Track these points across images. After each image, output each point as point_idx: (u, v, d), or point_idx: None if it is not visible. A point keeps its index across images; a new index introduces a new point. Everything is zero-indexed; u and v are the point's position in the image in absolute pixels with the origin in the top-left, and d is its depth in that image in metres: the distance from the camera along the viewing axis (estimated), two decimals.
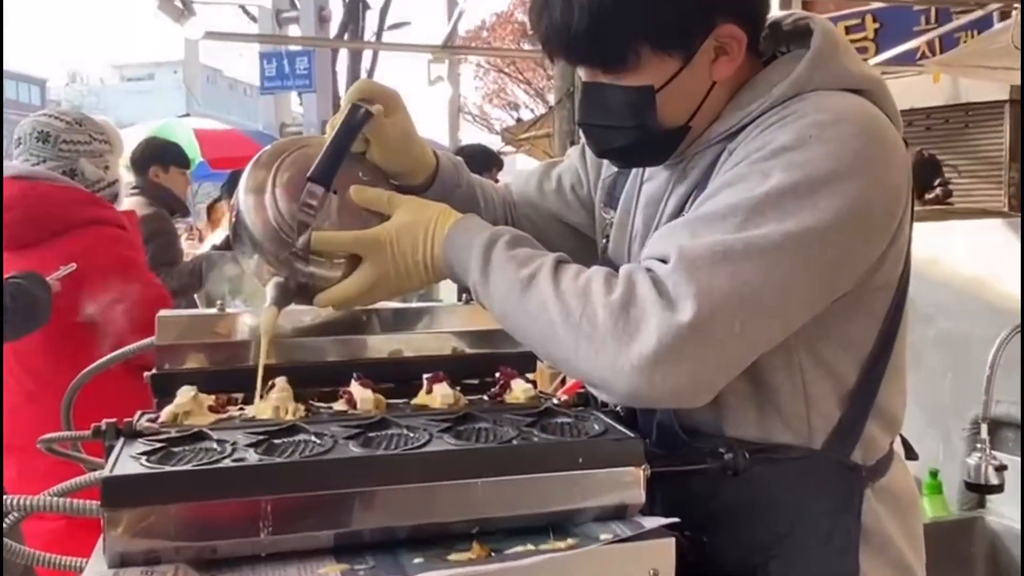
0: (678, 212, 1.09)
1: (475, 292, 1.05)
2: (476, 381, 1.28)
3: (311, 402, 1.18)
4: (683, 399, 0.92)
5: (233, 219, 1.15)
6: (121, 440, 0.96)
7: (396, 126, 1.18)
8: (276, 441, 0.97)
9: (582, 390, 1.15)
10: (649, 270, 0.95)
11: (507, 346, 1.30)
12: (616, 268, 1.15)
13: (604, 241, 1.26)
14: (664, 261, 0.94)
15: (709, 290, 0.90)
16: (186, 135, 7.63)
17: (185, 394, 1.09)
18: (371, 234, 1.09)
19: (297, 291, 1.12)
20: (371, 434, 1.00)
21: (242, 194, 1.13)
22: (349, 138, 1.13)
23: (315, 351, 1.25)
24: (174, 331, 1.20)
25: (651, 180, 1.17)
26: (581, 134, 1.26)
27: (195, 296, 3.95)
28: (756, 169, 0.96)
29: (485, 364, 1.27)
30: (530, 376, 1.27)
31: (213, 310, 1.26)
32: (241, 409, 1.13)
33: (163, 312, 1.23)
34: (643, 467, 0.94)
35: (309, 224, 1.08)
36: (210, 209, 5.54)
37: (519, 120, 15.52)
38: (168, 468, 0.86)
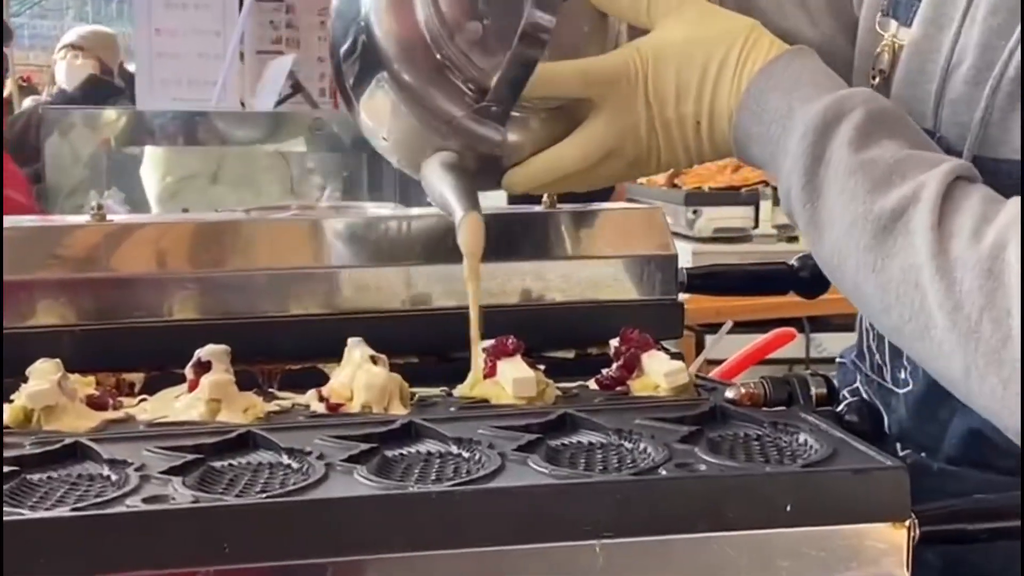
0: None
1: (788, 205, 1.05)
2: (572, 355, 1.29)
3: (270, 390, 1.19)
4: None
5: (345, 47, 1.16)
6: None
7: None
8: (216, 464, 0.97)
9: (775, 375, 1.15)
10: None
11: (629, 289, 1.32)
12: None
13: (877, 78, 1.23)
14: None
15: None
16: None
17: (44, 374, 1.10)
18: (612, 63, 1.11)
19: (476, 169, 1.14)
20: (390, 452, 1.00)
21: (372, 8, 1.13)
22: None
23: (268, 295, 1.27)
24: (17, 256, 1.21)
25: None
26: None
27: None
28: None
29: (590, 322, 1.28)
30: (672, 348, 1.27)
31: (84, 217, 1.28)
32: (143, 403, 1.14)
33: None
34: (907, 523, 0.93)
35: (533, 63, 1.08)
36: None
37: None
38: (27, 513, 0.86)
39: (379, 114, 1.17)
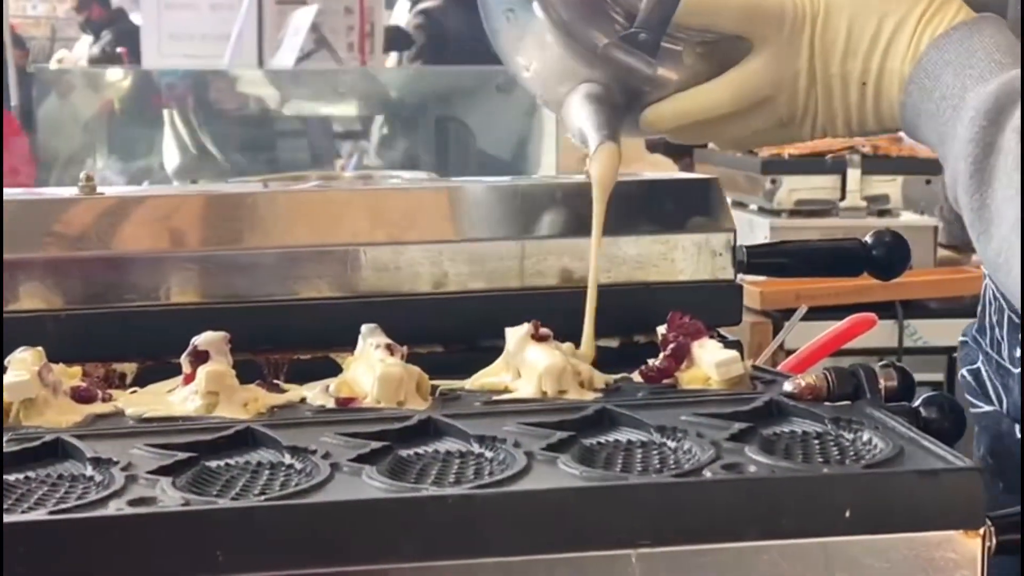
0: None
1: (954, 194, 1.05)
2: (616, 343, 1.30)
3: (274, 382, 1.21)
4: None
5: None
6: None
7: None
8: (212, 464, 0.99)
9: (843, 366, 1.15)
10: None
11: (681, 270, 1.33)
12: None
13: None
14: None
15: None
16: None
17: (23, 364, 1.12)
18: (777, 3, 1.12)
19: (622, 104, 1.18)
20: (404, 452, 1.02)
21: None
22: None
23: (276, 276, 1.29)
24: None
25: None
26: None
27: None
28: None
29: (637, 307, 1.29)
30: (730, 335, 1.28)
31: (72, 189, 1.30)
32: (134, 396, 1.16)
33: None
34: (981, 531, 0.93)
35: None
36: None
37: None
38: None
39: (521, 42, 1.19)
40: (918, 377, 3.35)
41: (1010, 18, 1.25)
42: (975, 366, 1.33)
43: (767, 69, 1.13)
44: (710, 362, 1.18)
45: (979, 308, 1.35)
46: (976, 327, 1.35)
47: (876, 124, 1.14)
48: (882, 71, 1.10)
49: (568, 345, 1.20)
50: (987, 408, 1.31)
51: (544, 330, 1.18)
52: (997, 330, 1.30)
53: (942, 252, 3.47)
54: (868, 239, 1.39)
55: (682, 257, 1.33)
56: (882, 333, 3.09)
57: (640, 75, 1.15)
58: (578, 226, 1.33)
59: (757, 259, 1.39)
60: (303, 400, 1.16)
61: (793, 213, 3.50)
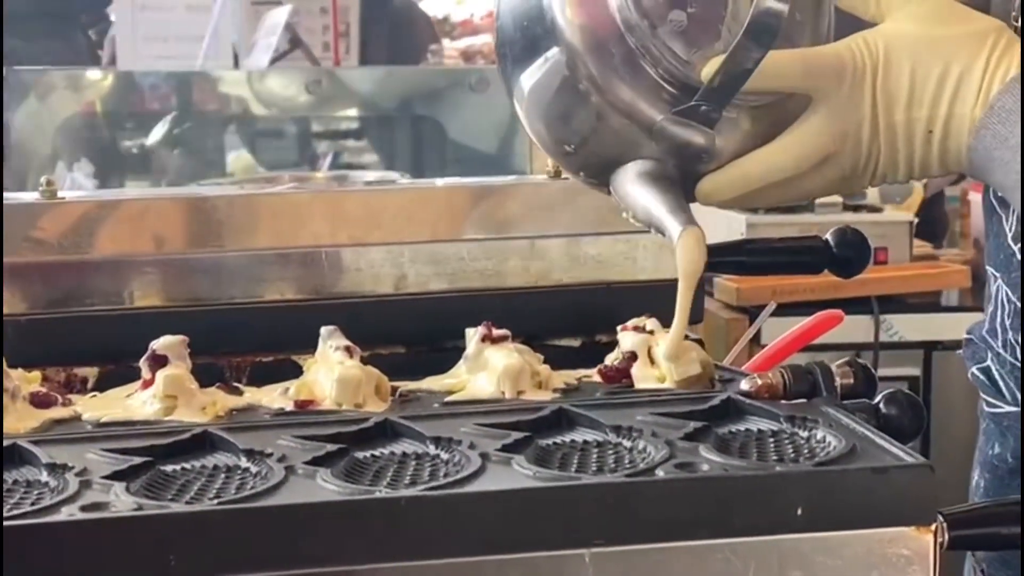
0: None
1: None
2: (578, 343, 1.30)
3: (234, 384, 1.22)
4: None
5: (519, 42, 1.14)
6: None
7: None
8: (168, 468, 0.99)
9: (802, 363, 1.15)
10: None
11: (642, 269, 1.35)
12: None
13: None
14: None
15: None
16: None
17: None
18: (837, 53, 1.10)
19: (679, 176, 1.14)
20: (361, 454, 1.02)
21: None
22: None
23: (238, 279, 1.29)
24: None
25: None
26: None
27: None
28: None
29: (598, 306, 1.29)
30: (693, 334, 1.28)
31: (32, 194, 1.30)
32: (93, 400, 1.17)
33: None
34: (933, 526, 0.94)
35: (761, 58, 1.06)
36: None
37: None
38: None
39: (562, 120, 1.14)
40: (895, 372, 3.36)
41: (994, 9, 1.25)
42: (985, 364, 1.33)
43: (829, 124, 1.10)
44: (669, 361, 1.18)
45: (988, 309, 1.34)
46: (986, 328, 1.34)
47: (940, 168, 1.11)
48: (950, 117, 1.08)
49: (527, 348, 1.20)
50: (1008, 408, 1.31)
51: (501, 331, 1.19)
52: (1011, 333, 1.30)
53: (918, 247, 3.46)
54: (829, 237, 1.39)
55: (643, 256, 1.34)
56: (858, 328, 3.09)
57: (700, 149, 1.11)
58: (540, 226, 1.34)
59: (717, 257, 1.38)
60: (262, 403, 1.16)
61: (770, 209, 3.47)
